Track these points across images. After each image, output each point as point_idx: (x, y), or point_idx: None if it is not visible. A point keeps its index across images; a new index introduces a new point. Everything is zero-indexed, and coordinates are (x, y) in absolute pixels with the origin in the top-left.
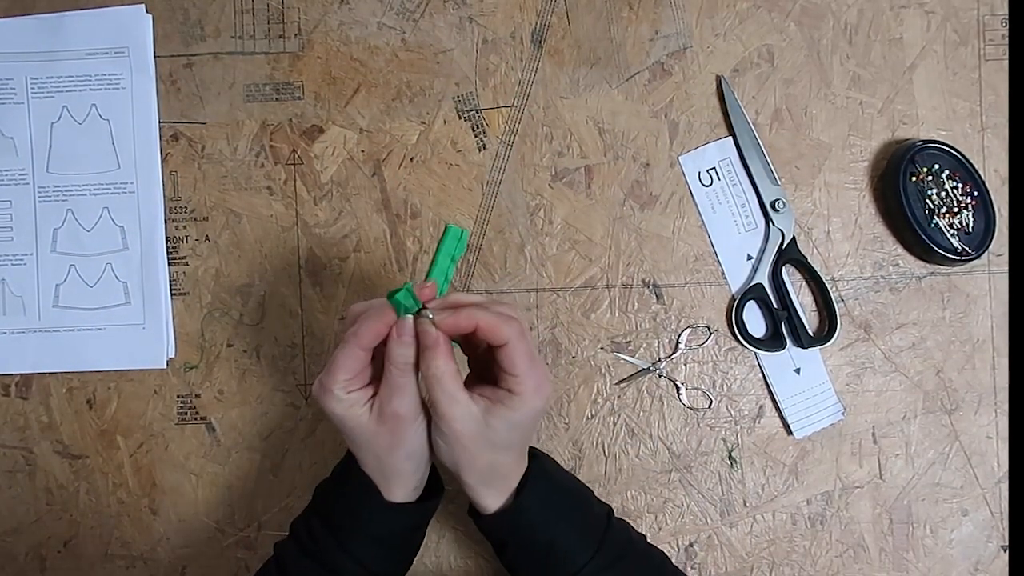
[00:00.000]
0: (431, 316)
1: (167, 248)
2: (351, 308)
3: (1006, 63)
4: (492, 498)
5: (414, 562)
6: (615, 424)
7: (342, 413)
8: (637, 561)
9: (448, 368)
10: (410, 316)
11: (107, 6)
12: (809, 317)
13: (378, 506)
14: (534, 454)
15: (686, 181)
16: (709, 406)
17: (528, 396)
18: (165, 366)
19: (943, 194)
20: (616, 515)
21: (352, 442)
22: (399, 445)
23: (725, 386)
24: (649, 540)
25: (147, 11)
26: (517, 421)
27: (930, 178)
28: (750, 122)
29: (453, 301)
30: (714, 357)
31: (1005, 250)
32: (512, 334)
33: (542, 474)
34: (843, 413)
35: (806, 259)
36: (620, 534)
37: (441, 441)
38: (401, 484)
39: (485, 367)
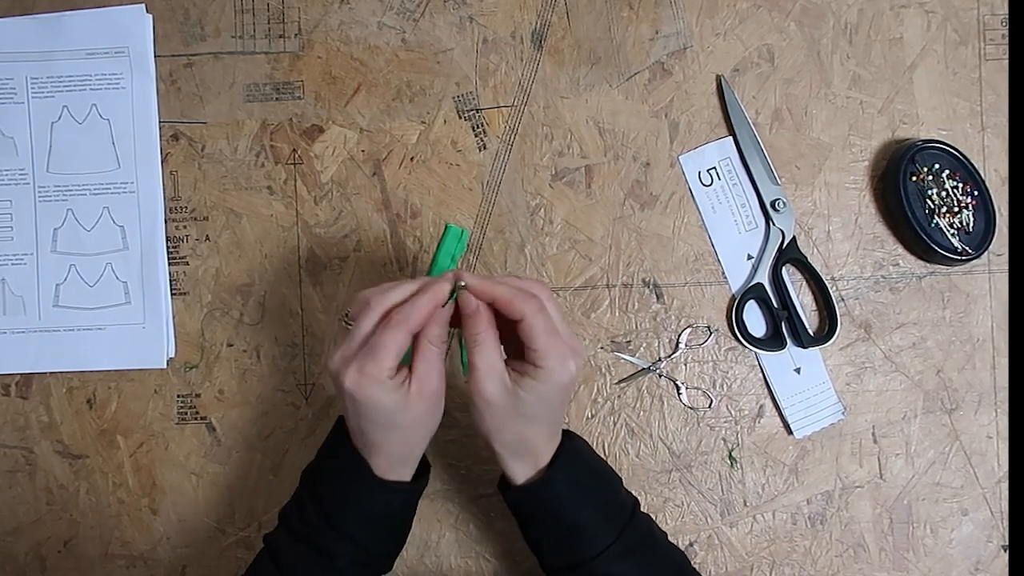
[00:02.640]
0: (464, 284)
1: (167, 248)
2: (361, 295)
3: (1006, 63)
4: (521, 470)
5: (414, 562)
6: (615, 424)
7: (383, 399)
8: (656, 554)
9: (490, 334)
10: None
11: (107, 6)
12: (809, 317)
13: (371, 482)
14: (568, 434)
15: (686, 181)
16: (709, 406)
17: (552, 369)
18: (165, 366)
19: (943, 194)
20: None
21: (386, 429)
22: (431, 420)
23: (725, 386)
24: None
25: (147, 11)
26: (544, 393)
27: (930, 178)
28: (750, 122)
29: (484, 276)
30: (714, 357)
31: (1005, 250)
32: (527, 309)
33: (573, 453)
34: (843, 413)
35: (806, 259)
36: (643, 525)
37: (475, 411)
38: (409, 464)
39: (518, 345)
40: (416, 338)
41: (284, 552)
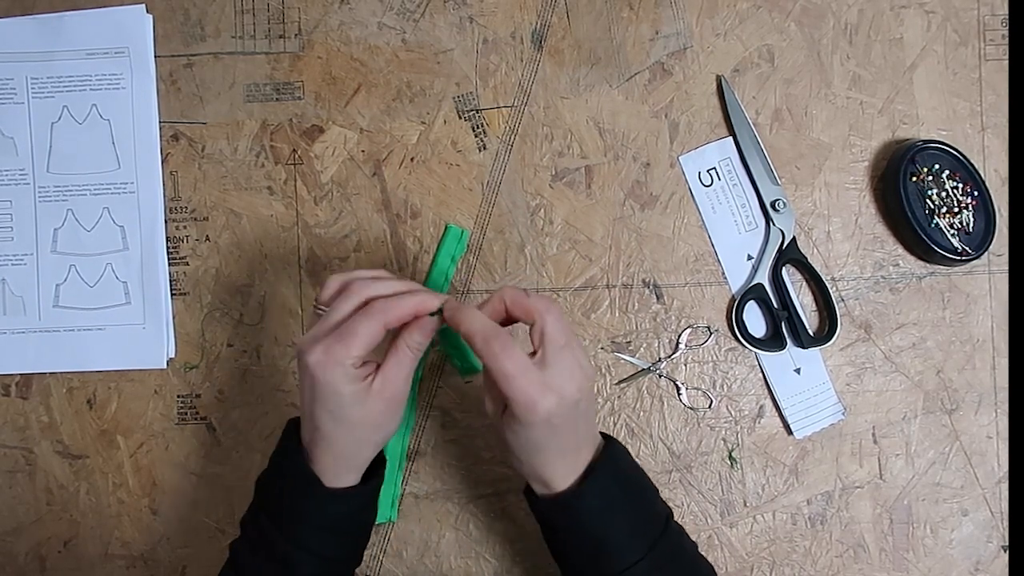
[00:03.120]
0: (440, 309)
1: (167, 248)
2: (336, 278)
3: (1006, 63)
4: (560, 482)
5: (414, 562)
6: (615, 424)
7: (342, 386)
8: (686, 567)
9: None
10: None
11: (107, 6)
12: (809, 317)
13: (320, 496)
14: (608, 441)
15: (686, 181)
16: (709, 406)
17: (522, 412)
18: (165, 366)
19: (943, 194)
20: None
21: (338, 419)
22: (386, 424)
23: (725, 386)
24: None
25: (147, 11)
26: (524, 431)
27: (930, 178)
28: (750, 122)
29: (461, 307)
30: (714, 357)
31: (1005, 250)
32: (485, 353)
33: (610, 466)
34: (843, 413)
35: (806, 259)
36: (674, 539)
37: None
38: (356, 466)
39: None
40: (394, 338)
41: (245, 562)
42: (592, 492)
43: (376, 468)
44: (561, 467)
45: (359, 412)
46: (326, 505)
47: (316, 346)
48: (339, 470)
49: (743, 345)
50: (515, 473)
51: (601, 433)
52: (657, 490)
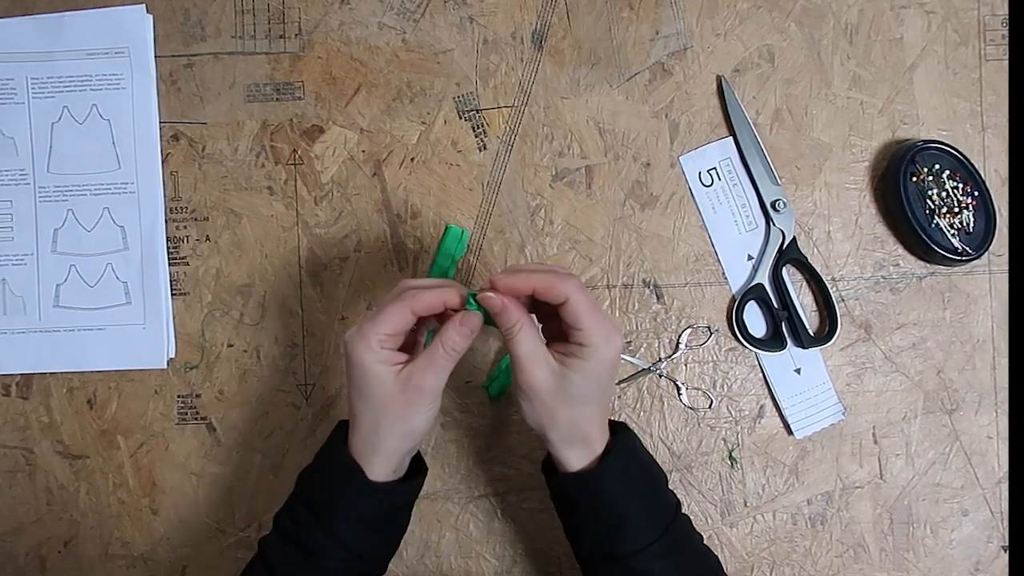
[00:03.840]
0: (475, 293)
1: (167, 248)
2: (405, 281)
3: (1006, 63)
4: (575, 458)
5: (414, 562)
6: None
7: (369, 364)
8: (692, 557)
9: (525, 321)
10: (478, 312)
11: (107, 6)
12: (809, 317)
13: (361, 485)
14: (622, 426)
15: (686, 181)
16: (709, 406)
17: (599, 346)
18: (165, 366)
19: (943, 194)
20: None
21: (364, 398)
22: (407, 418)
23: (725, 386)
24: None
25: (147, 11)
26: (592, 372)
27: (930, 178)
28: (750, 122)
29: (512, 269)
30: (714, 357)
31: (1005, 250)
32: (571, 289)
33: (628, 447)
34: (843, 413)
35: (806, 259)
36: (684, 527)
37: (524, 402)
38: (385, 461)
39: (557, 329)
40: (434, 335)
41: (274, 553)
42: (615, 470)
43: (416, 473)
44: (598, 430)
45: (381, 392)
46: (363, 495)
47: (353, 328)
48: (371, 462)
49: (743, 345)
50: (515, 473)
51: (611, 421)
52: (667, 478)
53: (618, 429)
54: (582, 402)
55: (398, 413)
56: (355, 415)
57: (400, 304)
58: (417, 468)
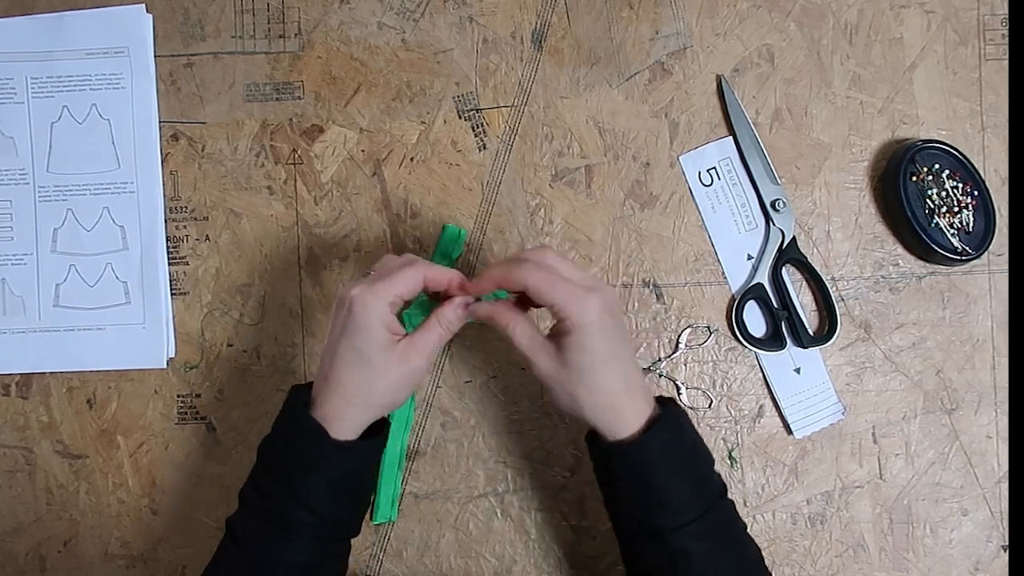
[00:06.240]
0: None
1: (167, 248)
2: (410, 255)
3: (1006, 63)
4: (610, 431)
5: (414, 562)
6: None
7: (374, 322)
8: (734, 542)
9: (515, 316)
10: (483, 302)
11: (107, 6)
12: (809, 317)
13: (325, 445)
14: (670, 401)
15: (686, 181)
16: (709, 406)
17: (575, 314)
18: (165, 366)
19: (943, 194)
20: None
21: (361, 359)
22: (394, 393)
23: (725, 386)
24: None
25: (147, 11)
26: (582, 341)
27: (930, 178)
28: (750, 122)
29: (481, 272)
30: (714, 357)
31: (1005, 250)
32: (525, 275)
33: (674, 421)
34: (843, 413)
35: (806, 259)
36: (728, 509)
37: (546, 393)
38: (357, 418)
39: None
40: (430, 313)
41: (242, 529)
42: (656, 443)
43: (377, 430)
44: (626, 397)
45: (380, 359)
46: (331, 456)
47: (360, 284)
48: (343, 419)
49: (743, 345)
50: (515, 473)
51: (656, 397)
52: (714, 460)
53: (665, 403)
54: (591, 373)
55: (390, 386)
56: (339, 375)
57: (414, 270)
58: (376, 426)
